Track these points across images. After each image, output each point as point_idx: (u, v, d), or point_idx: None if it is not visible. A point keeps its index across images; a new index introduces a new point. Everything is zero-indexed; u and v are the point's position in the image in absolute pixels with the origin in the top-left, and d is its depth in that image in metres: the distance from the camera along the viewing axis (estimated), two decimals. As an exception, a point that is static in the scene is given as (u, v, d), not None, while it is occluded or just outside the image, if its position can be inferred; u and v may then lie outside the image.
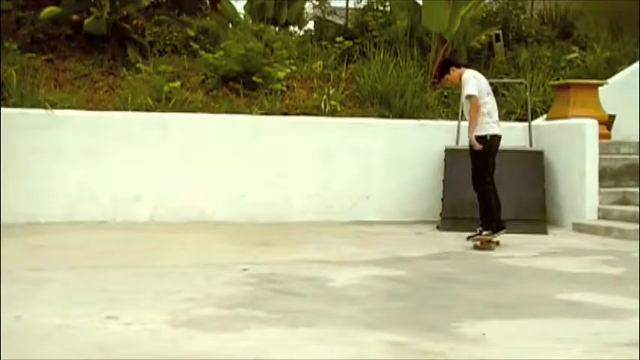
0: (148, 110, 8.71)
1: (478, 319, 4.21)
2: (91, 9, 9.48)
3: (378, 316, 4.32)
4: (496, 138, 6.97)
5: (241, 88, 9.34)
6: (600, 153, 8.48)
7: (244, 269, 5.59)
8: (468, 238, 6.98)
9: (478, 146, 6.81)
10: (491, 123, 6.90)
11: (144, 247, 6.73)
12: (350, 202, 8.95)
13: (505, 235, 6.95)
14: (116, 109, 8.73)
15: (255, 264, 5.82)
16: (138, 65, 9.40)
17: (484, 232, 6.91)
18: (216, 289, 4.92)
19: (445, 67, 7.41)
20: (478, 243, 6.93)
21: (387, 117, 9.34)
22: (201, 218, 8.41)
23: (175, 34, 10.08)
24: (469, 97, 6.86)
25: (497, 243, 7.02)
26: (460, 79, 7.06)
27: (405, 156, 9.02)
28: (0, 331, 3.70)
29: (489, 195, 6.93)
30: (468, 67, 7.66)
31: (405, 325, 4.09)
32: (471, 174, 7.02)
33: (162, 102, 8.86)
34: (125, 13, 9.82)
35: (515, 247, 7.04)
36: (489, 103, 6.95)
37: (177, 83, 9.14)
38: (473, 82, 6.88)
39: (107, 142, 8.37)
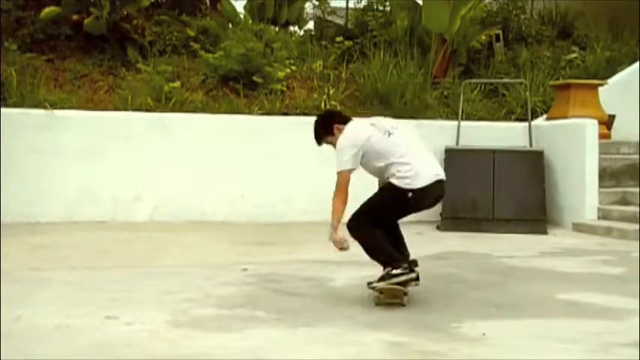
0: (148, 110, 8.72)
1: (478, 319, 4.21)
2: (91, 9, 9.49)
3: (378, 316, 4.32)
4: (425, 190, 4.51)
5: (241, 88, 9.34)
6: (600, 153, 8.47)
7: (244, 269, 5.59)
8: (369, 284, 4.58)
9: (340, 246, 4.55)
10: (411, 173, 4.55)
11: (144, 247, 6.73)
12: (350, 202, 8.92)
13: (502, 235, 6.85)
14: (116, 109, 8.74)
15: (255, 264, 5.81)
16: (138, 65, 9.41)
17: (393, 271, 4.45)
18: (216, 289, 4.92)
19: (325, 126, 4.79)
20: (381, 296, 4.55)
21: (387, 117, 9.31)
22: (201, 218, 8.41)
23: (175, 34, 10.08)
24: (339, 173, 4.64)
25: (406, 293, 4.56)
26: None
27: (405, 156, 8.98)
28: (0, 331, 3.70)
29: (369, 237, 4.58)
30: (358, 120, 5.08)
31: (405, 325, 4.09)
32: (356, 210, 4.77)
33: (162, 102, 8.86)
34: (125, 13, 9.82)
35: (516, 247, 7.04)
36: (406, 155, 4.64)
37: (177, 83, 9.15)
38: (348, 148, 4.62)
39: (107, 142, 8.37)
